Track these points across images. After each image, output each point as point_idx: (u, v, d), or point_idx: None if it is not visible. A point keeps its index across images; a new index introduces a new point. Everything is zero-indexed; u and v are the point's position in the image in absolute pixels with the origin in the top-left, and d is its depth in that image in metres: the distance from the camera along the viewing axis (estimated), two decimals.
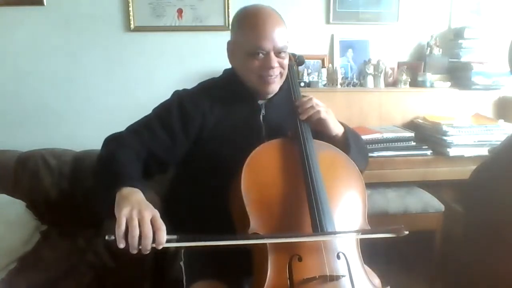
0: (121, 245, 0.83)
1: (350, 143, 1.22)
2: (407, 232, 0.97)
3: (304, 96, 1.23)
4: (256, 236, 0.98)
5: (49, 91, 2.29)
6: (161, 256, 1.65)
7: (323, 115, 1.18)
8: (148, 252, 0.85)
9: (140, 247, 0.84)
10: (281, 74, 1.22)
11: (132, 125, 1.20)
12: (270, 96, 1.25)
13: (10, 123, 2.29)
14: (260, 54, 1.16)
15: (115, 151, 1.08)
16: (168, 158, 1.19)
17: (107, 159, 1.07)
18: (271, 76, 1.19)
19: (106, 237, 0.84)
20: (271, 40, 1.15)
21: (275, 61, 1.17)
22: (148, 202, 0.92)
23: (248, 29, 1.18)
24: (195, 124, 1.19)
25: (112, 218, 0.89)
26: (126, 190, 0.94)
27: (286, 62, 1.22)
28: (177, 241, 0.89)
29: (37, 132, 2.30)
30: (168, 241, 0.87)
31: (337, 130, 1.23)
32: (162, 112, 1.21)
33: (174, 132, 1.17)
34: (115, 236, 0.83)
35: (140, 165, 1.09)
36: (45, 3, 2.20)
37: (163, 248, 0.86)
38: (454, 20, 2.49)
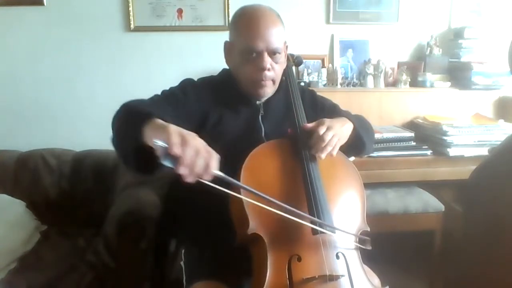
0: (176, 149, 0.75)
1: (363, 138, 1.22)
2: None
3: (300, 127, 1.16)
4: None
5: (49, 91, 2.30)
6: (161, 256, 1.66)
7: (337, 143, 1.11)
8: (193, 178, 0.76)
9: (185, 169, 0.76)
10: (273, 81, 1.19)
11: None
12: (264, 98, 1.24)
13: (10, 123, 2.29)
14: (253, 54, 1.14)
15: (135, 102, 1.03)
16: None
17: (129, 108, 0.99)
18: (263, 80, 1.16)
19: (154, 141, 0.76)
20: (265, 40, 1.13)
21: (267, 62, 1.14)
22: None
23: (242, 28, 1.16)
24: (202, 107, 1.17)
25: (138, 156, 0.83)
26: (160, 121, 0.85)
27: (279, 68, 1.19)
28: (223, 178, 0.82)
29: (37, 132, 2.30)
30: (216, 178, 0.79)
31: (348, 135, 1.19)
32: (177, 91, 1.20)
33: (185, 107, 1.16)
34: (166, 144, 0.74)
35: None
36: (45, 3, 2.20)
37: (207, 185, 0.78)
38: (454, 20, 2.49)
